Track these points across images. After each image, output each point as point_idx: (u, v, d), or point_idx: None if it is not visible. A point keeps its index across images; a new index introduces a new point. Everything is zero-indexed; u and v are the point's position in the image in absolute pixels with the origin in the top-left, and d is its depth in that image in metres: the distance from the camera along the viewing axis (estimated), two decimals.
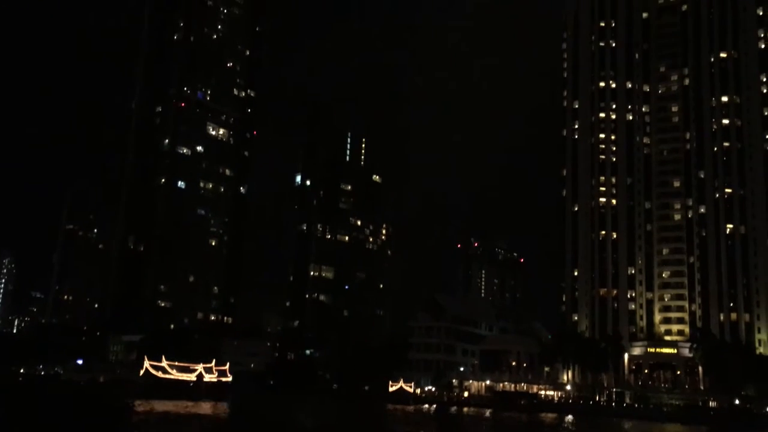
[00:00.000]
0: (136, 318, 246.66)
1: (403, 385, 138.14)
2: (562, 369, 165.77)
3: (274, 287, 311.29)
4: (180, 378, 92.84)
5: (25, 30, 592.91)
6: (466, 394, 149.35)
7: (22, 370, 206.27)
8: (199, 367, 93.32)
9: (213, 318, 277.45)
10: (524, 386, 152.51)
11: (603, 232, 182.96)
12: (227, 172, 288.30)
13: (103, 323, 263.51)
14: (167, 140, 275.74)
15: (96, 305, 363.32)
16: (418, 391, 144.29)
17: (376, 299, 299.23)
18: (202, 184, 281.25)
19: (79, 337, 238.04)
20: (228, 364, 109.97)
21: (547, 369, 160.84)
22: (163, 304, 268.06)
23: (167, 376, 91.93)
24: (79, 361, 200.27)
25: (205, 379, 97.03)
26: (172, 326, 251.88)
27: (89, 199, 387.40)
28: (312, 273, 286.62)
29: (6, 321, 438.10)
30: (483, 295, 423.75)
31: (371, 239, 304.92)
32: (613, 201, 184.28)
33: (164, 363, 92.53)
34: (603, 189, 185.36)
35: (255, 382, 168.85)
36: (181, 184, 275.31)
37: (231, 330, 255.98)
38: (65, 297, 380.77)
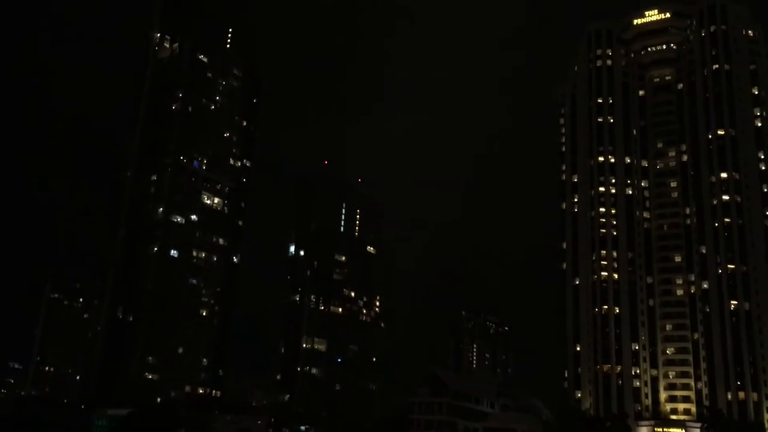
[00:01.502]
0: (121, 391, 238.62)
1: None
2: None
3: (263, 359, 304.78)
4: None
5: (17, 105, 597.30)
6: None
7: None
8: None
9: (201, 391, 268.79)
10: None
11: (605, 307, 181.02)
12: (221, 241, 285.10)
13: (86, 396, 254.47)
14: (161, 209, 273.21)
15: (78, 377, 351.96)
16: None
17: (369, 373, 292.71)
18: (195, 253, 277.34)
19: (62, 411, 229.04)
20: None
21: None
22: (150, 377, 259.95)
23: None
24: None
25: None
26: (158, 399, 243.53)
27: (75, 268, 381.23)
28: (304, 345, 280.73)
29: None
30: (474, 368, 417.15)
31: (365, 311, 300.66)
32: (615, 275, 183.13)
33: None
34: (604, 263, 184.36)
35: None
36: (174, 252, 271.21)
37: (219, 404, 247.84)
38: (46, 368, 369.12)
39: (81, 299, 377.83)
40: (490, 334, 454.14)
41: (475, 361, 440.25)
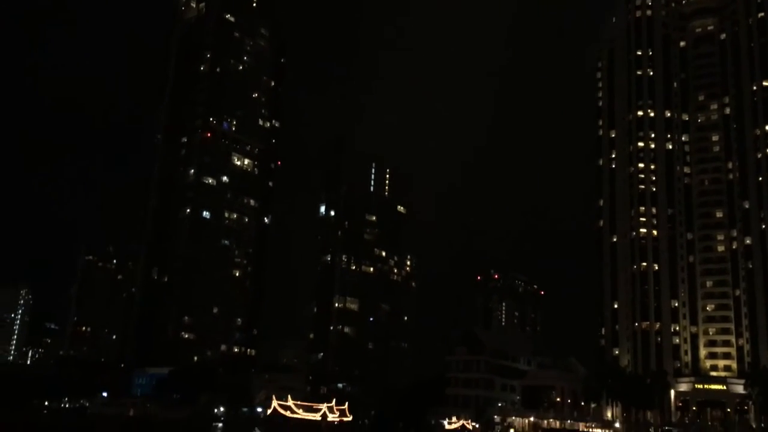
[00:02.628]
0: (158, 351, 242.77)
1: (465, 423, 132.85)
2: (606, 406, 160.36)
3: (295, 320, 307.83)
4: (306, 418, 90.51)
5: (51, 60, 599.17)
6: (512, 431, 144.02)
7: (46, 404, 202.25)
8: (323, 407, 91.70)
9: (236, 350, 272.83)
10: (570, 423, 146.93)
11: (644, 264, 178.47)
12: (252, 202, 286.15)
13: (125, 356, 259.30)
14: (192, 171, 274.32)
15: (114, 337, 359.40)
16: (458, 427, 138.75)
17: (401, 332, 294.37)
18: (226, 215, 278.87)
19: (102, 371, 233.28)
20: (338, 404, 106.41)
21: (593, 405, 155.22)
22: (186, 336, 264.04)
23: (294, 415, 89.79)
24: (104, 394, 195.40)
25: (328, 419, 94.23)
26: (195, 359, 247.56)
27: (109, 230, 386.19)
28: (336, 305, 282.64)
29: (21, 353, 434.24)
30: (503, 327, 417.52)
31: (396, 271, 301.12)
32: (654, 232, 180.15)
33: (290, 402, 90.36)
34: (643, 220, 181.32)
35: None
36: (206, 214, 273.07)
37: (254, 363, 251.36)
38: (83, 329, 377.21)
39: (115, 261, 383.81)
40: (519, 293, 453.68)
41: (503, 320, 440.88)
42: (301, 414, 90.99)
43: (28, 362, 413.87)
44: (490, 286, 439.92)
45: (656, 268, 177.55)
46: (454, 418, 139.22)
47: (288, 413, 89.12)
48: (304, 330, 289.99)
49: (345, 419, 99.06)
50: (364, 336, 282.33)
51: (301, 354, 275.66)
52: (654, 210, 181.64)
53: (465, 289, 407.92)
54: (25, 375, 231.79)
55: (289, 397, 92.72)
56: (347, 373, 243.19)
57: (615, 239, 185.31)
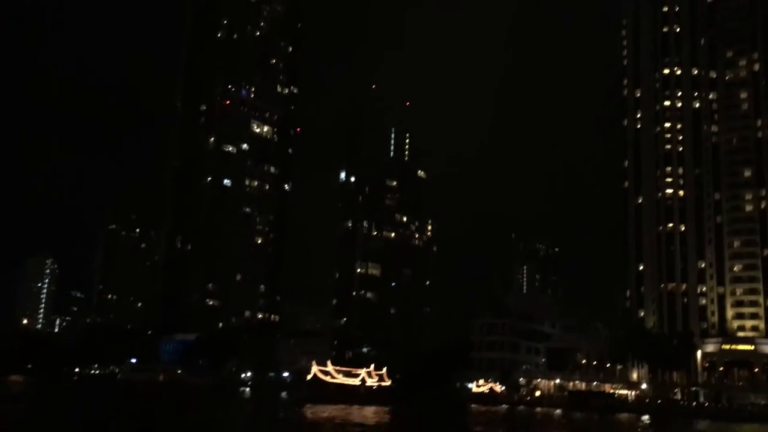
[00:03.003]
0: (184, 317, 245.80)
1: (493, 386, 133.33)
2: (631, 367, 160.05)
3: (317, 286, 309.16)
4: (345, 383, 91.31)
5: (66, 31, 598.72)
6: (537, 393, 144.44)
7: (76, 370, 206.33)
8: (363, 372, 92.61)
9: (260, 317, 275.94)
10: (596, 385, 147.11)
11: (670, 225, 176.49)
12: (272, 169, 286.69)
13: (151, 323, 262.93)
14: (212, 138, 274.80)
15: (139, 304, 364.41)
16: (486, 390, 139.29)
17: (423, 296, 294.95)
18: (247, 182, 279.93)
19: (129, 337, 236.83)
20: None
21: (619, 367, 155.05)
22: (210, 303, 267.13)
23: (334, 380, 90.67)
24: (133, 361, 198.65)
25: (367, 384, 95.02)
26: (220, 325, 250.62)
27: (131, 199, 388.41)
28: (358, 270, 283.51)
29: (48, 321, 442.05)
30: (525, 293, 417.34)
31: (417, 235, 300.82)
32: (680, 192, 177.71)
33: (330, 368, 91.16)
34: (669, 180, 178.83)
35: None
36: (226, 182, 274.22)
37: (277, 329, 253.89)
38: (109, 297, 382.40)
39: (138, 230, 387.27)
40: (540, 256, 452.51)
41: (525, 284, 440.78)
42: (341, 379, 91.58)
43: (56, 330, 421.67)
44: (511, 249, 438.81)
45: (683, 228, 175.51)
46: (481, 381, 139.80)
47: (328, 378, 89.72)
48: (327, 296, 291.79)
49: (383, 384, 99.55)
50: (387, 301, 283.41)
51: (324, 319, 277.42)
52: (680, 170, 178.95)
53: (486, 254, 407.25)
54: (54, 343, 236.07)
55: (329, 362, 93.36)
56: (370, 338, 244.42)
57: (640, 201, 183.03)
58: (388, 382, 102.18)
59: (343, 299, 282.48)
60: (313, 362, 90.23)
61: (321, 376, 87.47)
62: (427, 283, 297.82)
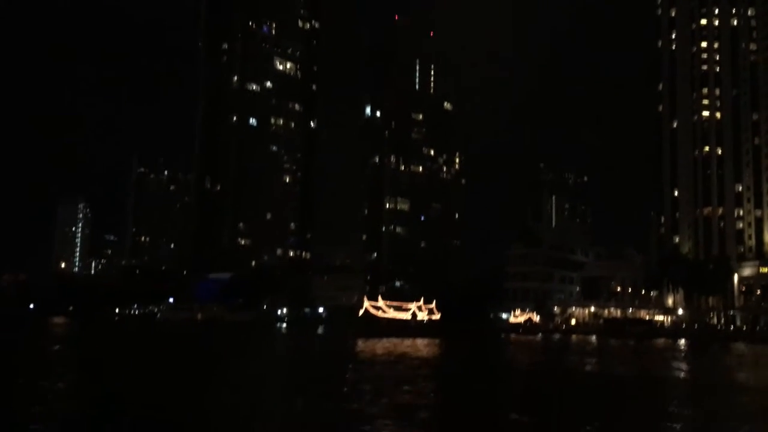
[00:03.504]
0: (217, 257, 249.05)
1: (531, 315, 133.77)
2: (667, 293, 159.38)
3: (346, 222, 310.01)
4: (396, 317, 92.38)
5: None
6: (573, 321, 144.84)
7: (117, 311, 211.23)
8: (413, 306, 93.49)
9: (291, 254, 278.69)
10: (631, 312, 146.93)
11: (706, 149, 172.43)
12: (297, 107, 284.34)
13: (186, 263, 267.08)
14: (236, 77, 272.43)
15: (172, 246, 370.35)
16: (523, 320, 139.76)
17: (452, 230, 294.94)
18: (272, 121, 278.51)
19: (165, 278, 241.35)
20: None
21: (654, 293, 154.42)
22: (243, 242, 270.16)
23: (385, 315, 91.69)
24: (170, 300, 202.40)
25: (418, 318, 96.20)
26: (253, 263, 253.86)
27: (158, 141, 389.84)
28: (387, 205, 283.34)
29: (84, 264, 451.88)
30: (554, 223, 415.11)
31: (445, 169, 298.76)
32: (717, 114, 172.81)
33: (381, 302, 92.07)
34: (705, 102, 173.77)
35: (350, 317, 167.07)
36: (252, 121, 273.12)
37: (309, 266, 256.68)
38: (142, 239, 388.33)
39: (166, 172, 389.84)
40: (568, 186, 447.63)
41: (554, 214, 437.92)
42: (392, 314, 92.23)
43: (92, 273, 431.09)
44: (539, 179, 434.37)
45: (719, 152, 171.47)
46: (518, 312, 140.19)
47: (379, 313, 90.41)
48: (357, 232, 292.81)
49: (433, 317, 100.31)
50: (416, 235, 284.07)
51: (354, 255, 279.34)
52: (717, 91, 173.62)
53: (515, 185, 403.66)
54: (93, 285, 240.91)
55: (379, 297, 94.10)
56: (402, 272, 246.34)
57: (675, 124, 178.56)
58: (437, 315, 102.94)
59: (373, 235, 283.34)
60: (365, 297, 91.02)
61: (372, 311, 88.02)
62: (456, 216, 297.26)
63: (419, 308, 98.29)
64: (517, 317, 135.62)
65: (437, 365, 46.33)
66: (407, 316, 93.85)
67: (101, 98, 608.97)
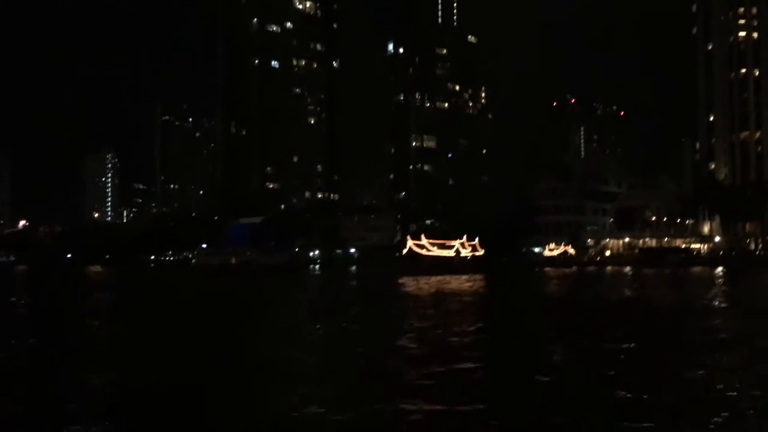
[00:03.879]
0: (246, 202, 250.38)
1: (567, 248, 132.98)
2: (703, 221, 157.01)
3: (373, 162, 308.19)
4: (441, 255, 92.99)
5: None
6: (607, 253, 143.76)
7: (152, 258, 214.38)
8: (456, 243, 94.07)
9: (320, 196, 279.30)
10: (667, 241, 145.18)
11: (743, 71, 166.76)
12: (318, 47, 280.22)
13: (215, 209, 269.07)
14: (255, 19, 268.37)
15: (201, 192, 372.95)
16: (558, 253, 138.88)
17: (480, 165, 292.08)
18: (294, 62, 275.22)
19: (197, 224, 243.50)
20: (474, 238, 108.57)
21: (690, 221, 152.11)
22: (270, 186, 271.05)
23: (430, 253, 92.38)
24: (204, 246, 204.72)
25: (461, 254, 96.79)
26: (282, 206, 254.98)
27: (181, 89, 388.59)
28: (413, 143, 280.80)
29: (116, 213, 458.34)
30: (583, 154, 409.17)
31: (471, 104, 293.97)
32: (754, 35, 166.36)
33: (425, 241, 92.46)
34: (741, 22, 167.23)
35: (382, 256, 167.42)
36: (274, 63, 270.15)
37: (338, 207, 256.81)
38: (171, 187, 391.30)
39: (190, 120, 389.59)
40: (596, 116, 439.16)
41: (583, 146, 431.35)
42: (436, 251, 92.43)
43: (124, 221, 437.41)
44: (567, 111, 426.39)
45: (756, 74, 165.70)
46: (552, 245, 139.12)
47: (424, 251, 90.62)
48: (383, 171, 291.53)
49: (477, 254, 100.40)
50: (444, 172, 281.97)
51: (382, 195, 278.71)
52: (754, 10, 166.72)
53: (542, 117, 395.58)
54: (126, 233, 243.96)
55: (422, 236, 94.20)
56: (431, 211, 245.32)
57: (710, 47, 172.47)
58: (481, 252, 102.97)
59: (400, 173, 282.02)
60: (408, 236, 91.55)
61: (416, 249, 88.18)
62: (484, 151, 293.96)
63: (462, 245, 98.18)
64: (552, 250, 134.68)
65: (487, 299, 46.14)
66: (451, 253, 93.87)
67: (123, 46, 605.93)
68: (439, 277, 71.14)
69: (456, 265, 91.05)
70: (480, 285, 59.62)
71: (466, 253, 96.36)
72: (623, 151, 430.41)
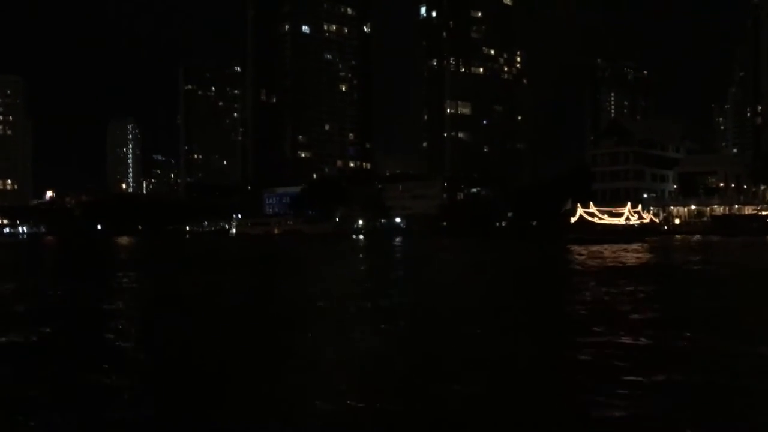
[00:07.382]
0: (279, 171, 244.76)
1: (650, 216, 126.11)
2: None
3: (406, 129, 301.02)
4: (611, 222, 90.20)
5: None
6: (677, 221, 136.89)
7: (188, 228, 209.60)
8: (625, 210, 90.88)
9: (352, 165, 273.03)
10: (737, 208, 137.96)
11: None
12: (349, 11, 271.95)
13: (248, 178, 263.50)
14: None
15: (225, 162, 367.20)
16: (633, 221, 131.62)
17: (516, 132, 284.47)
18: (325, 27, 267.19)
19: (230, 193, 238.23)
20: (638, 205, 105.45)
21: (763, 187, 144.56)
22: (303, 155, 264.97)
23: (601, 221, 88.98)
24: (239, 216, 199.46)
25: (630, 222, 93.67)
26: (314, 176, 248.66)
27: (203, 58, 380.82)
28: (448, 110, 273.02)
29: (138, 184, 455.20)
30: (613, 118, 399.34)
31: (506, 69, 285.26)
32: None
33: (593, 209, 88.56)
34: None
35: (427, 225, 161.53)
36: (305, 29, 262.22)
37: (371, 176, 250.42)
38: (195, 156, 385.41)
39: (213, 88, 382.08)
40: (628, 81, 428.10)
41: (613, 110, 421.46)
42: (606, 219, 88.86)
43: (145, 192, 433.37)
44: (597, 76, 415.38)
45: None
46: (630, 211, 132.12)
47: (595, 219, 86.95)
48: (417, 139, 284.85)
49: (644, 221, 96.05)
50: (480, 139, 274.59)
51: (415, 163, 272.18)
52: None
53: (574, 82, 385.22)
54: (157, 202, 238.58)
55: (591, 203, 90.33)
56: (468, 178, 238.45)
57: None
58: (647, 219, 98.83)
59: (435, 141, 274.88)
60: (578, 204, 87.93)
61: (587, 217, 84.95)
62: (520, 118, 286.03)
63: (630, 212, 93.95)
64: (628, 219, 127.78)
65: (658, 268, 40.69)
66: (621, 221, 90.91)
67: (145, 13, 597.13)
68: (607, 246, 67.19)
69: (622, 232, 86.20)
70: (649, 254, 54.51)
71: (634, 221, 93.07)
72: (655, 119, 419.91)
